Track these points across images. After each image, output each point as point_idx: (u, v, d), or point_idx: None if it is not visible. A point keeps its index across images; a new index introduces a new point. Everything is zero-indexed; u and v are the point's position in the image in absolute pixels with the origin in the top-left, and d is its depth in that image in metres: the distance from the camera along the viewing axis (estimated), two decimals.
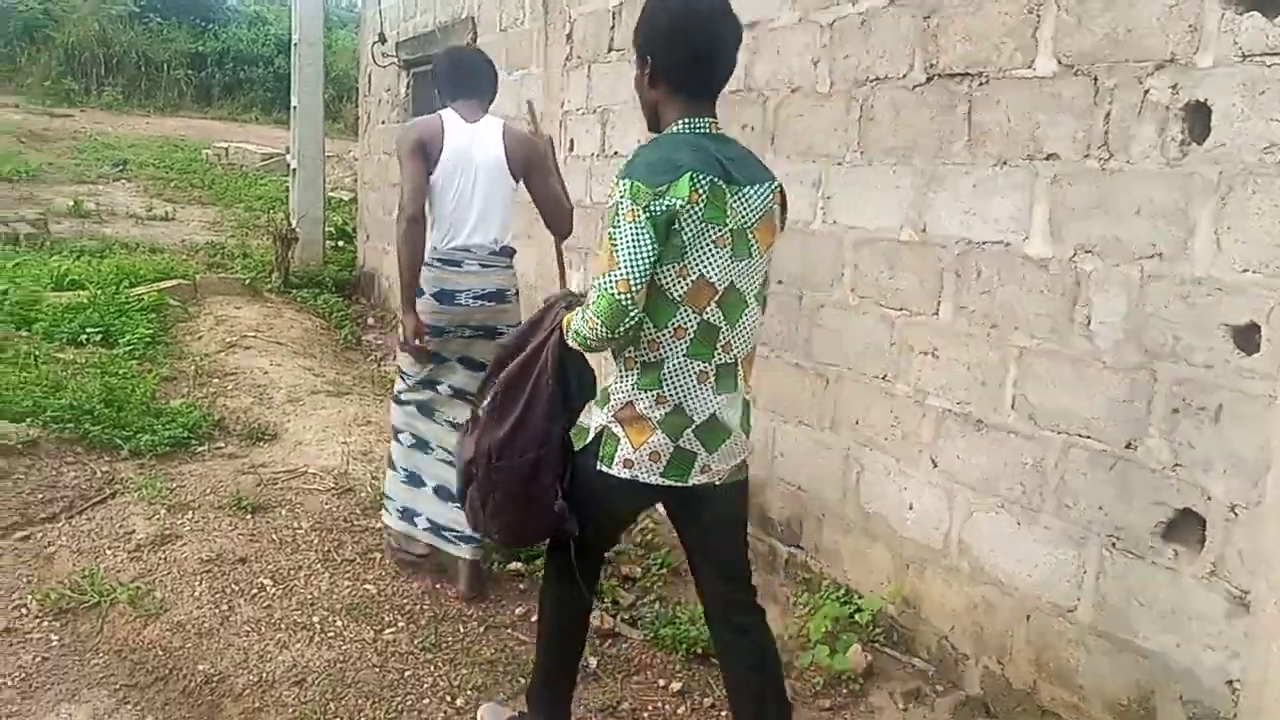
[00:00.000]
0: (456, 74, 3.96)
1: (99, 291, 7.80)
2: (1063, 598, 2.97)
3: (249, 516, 4.44)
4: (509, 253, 3.91)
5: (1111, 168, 2.78)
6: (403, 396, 4.01)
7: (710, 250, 2.33)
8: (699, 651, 3.47)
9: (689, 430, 2.39)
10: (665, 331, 2.35)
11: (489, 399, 2.63)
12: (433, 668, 3.39)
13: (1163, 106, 2.65)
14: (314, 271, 10.37)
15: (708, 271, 2.33)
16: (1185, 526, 2.66)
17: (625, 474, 2.41)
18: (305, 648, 3.43)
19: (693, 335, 2.36)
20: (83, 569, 3.85)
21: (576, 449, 2.55)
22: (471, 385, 3.66)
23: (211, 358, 7.13)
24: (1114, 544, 2.82)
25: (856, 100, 3.66)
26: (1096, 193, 2.83)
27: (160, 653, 3.37)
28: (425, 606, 3.79)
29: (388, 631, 3.60)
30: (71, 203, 13.01)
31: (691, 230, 2.28)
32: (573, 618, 2.77)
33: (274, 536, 4.27)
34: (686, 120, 2.42)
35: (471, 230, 3.78)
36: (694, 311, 2.35)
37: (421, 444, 3.98)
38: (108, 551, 4.04)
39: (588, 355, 2.53)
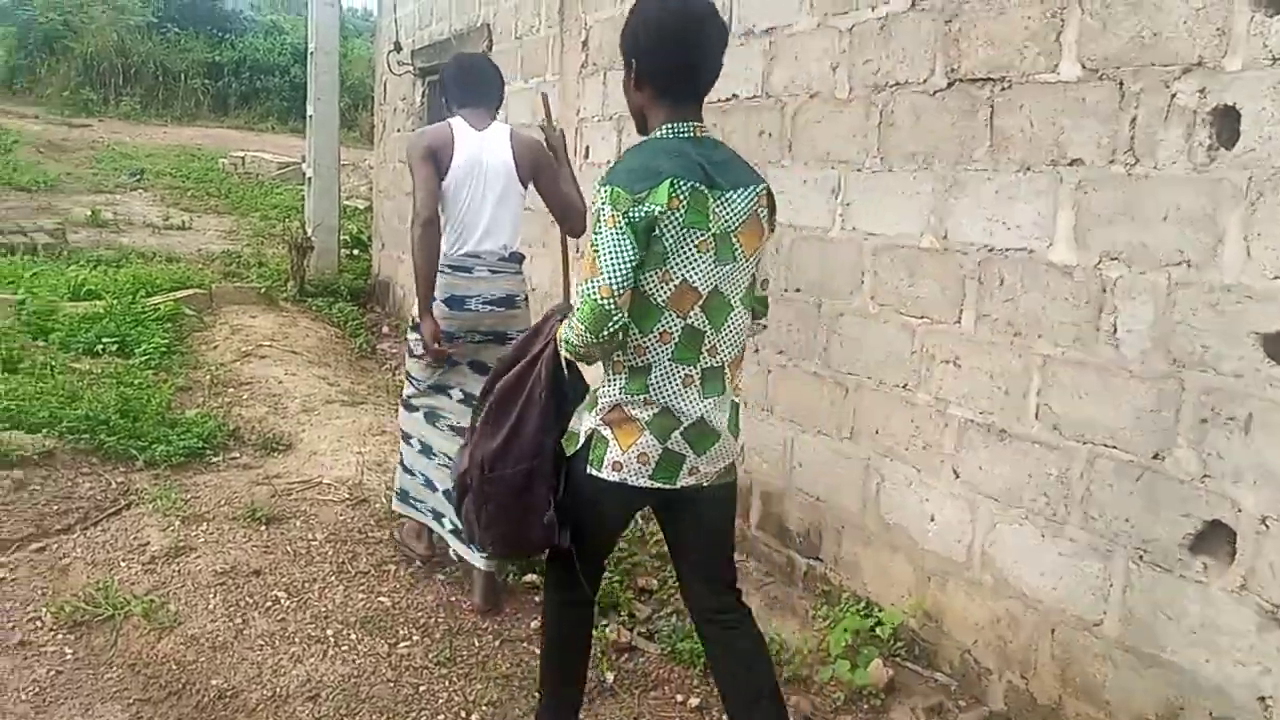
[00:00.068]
0: (464, 82, 4.00)
1: (115, 301, 7.82)
2: (1088, 611, 2.92)
3: (263, 528, 4.42)
4: (518, 258, 3.95)
5: (1138, 173, 2.73)
6: (413, 402, 4.08)
7: (692, 255, 2.33)
8: None
9: (677, 432, 2.40)
10: (651, 337, 2.36)
11: (484, 410, 2.63)
12: (448, 682, 3.36)
13: (1190, 111, 2.60)
14: (329, 280, 10.37)
15: (690, 276, 2.34)
16: (1214, 539, 2.60)
17: (614, 477, 2.41)
18: (319, 662, 3.40)
19: (678, 340, 2.37)
20: (97, 581, 3.84)
21: (568, 454, 2.53)
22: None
23: (227, 367, 7.13)
24: (1141, 556, 2.76)
25: (876, 105, 3.62)
26: (1122, 199, 2.77)
27: (174, 667, 3.35)
28: (440, 620, 3.76)
29: (402, 645, 3.57)
30: (89, 212, 13.09)
31: (673, 236, 2.30)
32: (574, 624, 2.75)
33: (288, 548, 4.25)
34: (671, 125, 2.43)
35: (482, 236, 3.83)
36: (678, 316, 2.36)
37: (426, 449, 4.04)
38: (122, 563, 4.03)
39: (582, 367, 2.51)
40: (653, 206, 2.26)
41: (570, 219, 3.87)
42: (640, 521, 4.29)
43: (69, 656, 3.41)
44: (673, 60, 2.41)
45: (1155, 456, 2.71)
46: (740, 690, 2.61)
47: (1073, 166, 2.91)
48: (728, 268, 2.40)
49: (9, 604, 3.70)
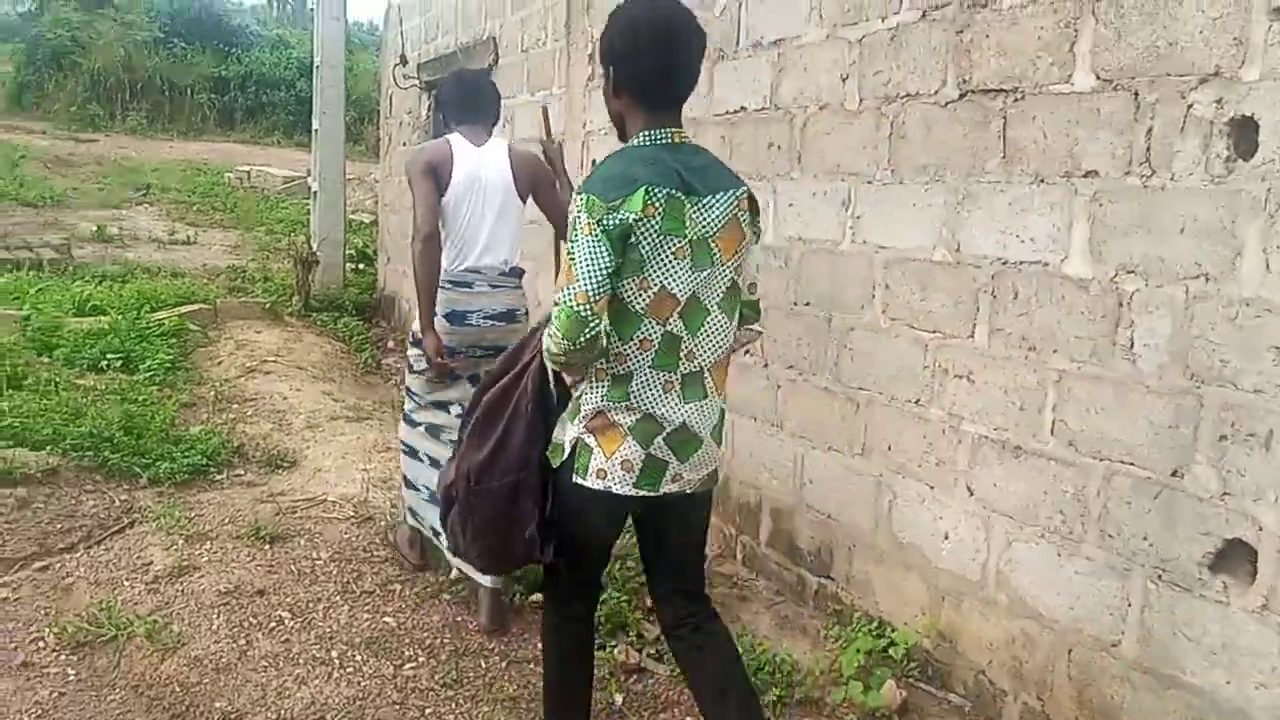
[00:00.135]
0: (462, 98, 4.05)
1: (120, 317, 7.79)
2: (1106, 631, 2.86)
3: (267, 547, 4.38)
4: (518, 273, 3.99)
5: (1154, 185, 2.69)
6: (414, 417, 4.11)
7: (670, 262, 2.34)
8: None
9: (659, 438, 2.40)
10: (631, 344, 2.37)
11: (470, 423, 2.62)
12: (454, 705, 3.31)
13: (1207, 121, 2.55)
14: (334, 295, 10.34)
15: (669, 283, 2.35)
16: (1235, 558, 2.54)
17: (599, 485, 2.41)
18: (324, 684, 3.35)
19: (657, 347, 2.38)
20: (100, 601, 3.79)
21: (554, 466, 2.51)
22: None
23: (231, 383, 7.10)
24: (1159, 576, 2.71)
25: (887, 117, 3.58)
26: (1138, 211, 2.73)
27: (177, 689, 3.30)
28: (446, 640, 3.71)
29: (408, 667, 3.52)
30: (95, 228, 13.09)
31: (649, 243, 2.30)
32: (571, 641, 2.72)
33: (292, 567, 4.21)
34: (649, 131, 2.43)
35: (482, 252, 3.86)
36: (657, 323, 2.37)
37: (434, 463, 4.03)
38: (125, 583, 3.98)
39: (568, 378, 2.49)
40: (627, 214, 2.26)
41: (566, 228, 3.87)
42: None
43: (72, 678, 3.37)
44: (649, 67, 2.41)
45: (1174, 474, 2.66)
46: (710, 682, 2.59)
47: (1087, 178, 2.86)
48: (705, 273, 2.40)
49: (12, 624, 3.66)
